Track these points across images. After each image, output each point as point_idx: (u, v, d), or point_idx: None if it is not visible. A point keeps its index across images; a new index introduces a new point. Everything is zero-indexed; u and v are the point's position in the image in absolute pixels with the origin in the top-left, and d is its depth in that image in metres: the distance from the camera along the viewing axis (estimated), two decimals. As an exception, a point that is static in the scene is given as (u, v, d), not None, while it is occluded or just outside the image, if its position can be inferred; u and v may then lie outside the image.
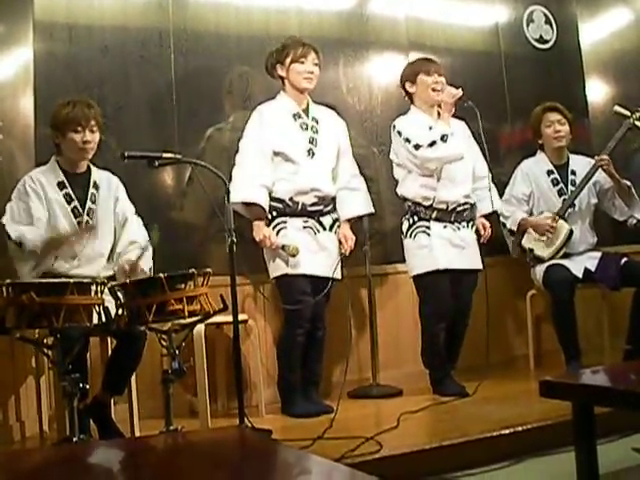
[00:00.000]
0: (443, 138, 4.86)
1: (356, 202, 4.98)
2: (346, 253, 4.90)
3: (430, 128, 4.97)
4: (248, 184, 4.62)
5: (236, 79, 5.31)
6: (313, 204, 4.78)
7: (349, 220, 4.96)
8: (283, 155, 4.76)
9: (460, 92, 4.95)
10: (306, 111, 4.88)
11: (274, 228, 4.72)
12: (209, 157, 4.97)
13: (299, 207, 4.75)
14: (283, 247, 4.64)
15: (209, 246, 5.13)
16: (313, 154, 4.81)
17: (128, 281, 3.64)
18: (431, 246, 4.97)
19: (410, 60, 5.67)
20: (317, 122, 4.88)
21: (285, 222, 4.73)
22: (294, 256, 4.63)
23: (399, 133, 5.01)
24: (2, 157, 4.57)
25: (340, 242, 4.88)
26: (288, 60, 4.79)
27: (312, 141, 4.82)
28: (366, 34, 5.83)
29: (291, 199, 4.74)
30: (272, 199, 4.74)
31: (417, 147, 4.91)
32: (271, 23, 5.45)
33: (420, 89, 5.07)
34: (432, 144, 4.87)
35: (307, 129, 4.84)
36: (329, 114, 5.03)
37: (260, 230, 4.68)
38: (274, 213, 4.75)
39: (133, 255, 4.23)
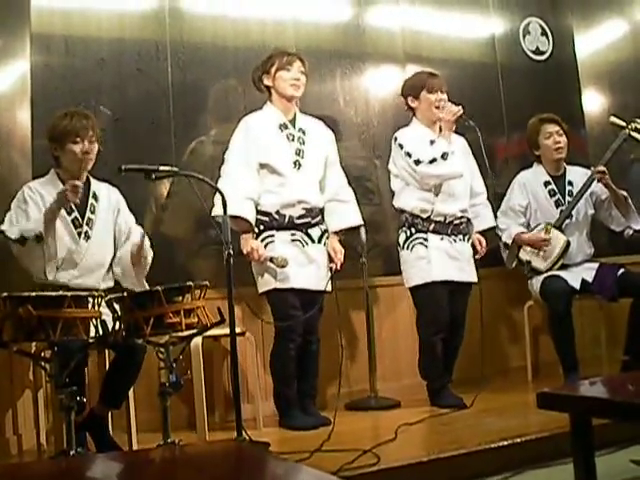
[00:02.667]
0: (444, 156, 4.87)
1: (345, 214, 4.92)
2: (337, 266, 4.82)
3: (432, 142, 4.97)
4: (233, 197, 4.45)
5: (233, 91, 5.32)
6: (300, 216, 4.72)
7: (337, 233, 4.90)
8: (269, 167, 4.71)
9: (461, 110, 4.96)
10: (293, 122, 4.82)
11: (262, 242, 4.67)
12: (203, 168, 4.96)
13: (286, 220, 4.69)
14: (271, 259, 4.62)
15: (205, 258, 5.13)
16: (299, 166, 4.75)
17: (126, 294, 3.64)
18: (429, 257, 4.97)
19: (406, 71, 5.69)
20: (304, 133, 4.82)
21: (272, 236, 4.68)
22: (283, 267, 4.60)
23: (400, 146, 5.01)
24: (0, 169, 4.57)
25: (329, 255, 4.82)
26: (274, 69, 4.75)
27: (298, 152, 4.76)
28: (363, 46, 5.84)
29: (278, 212, 4.68)
30: (258, 212, 4.69)
31: (417, 163, 4.91)
32: (268, 35, 5.46)
33: (423, 106, 5.08)
34: (432, 161, 4.87)
35: (293, 140, 4.78)
36: (316, 124, 4.96)
37: (247, 243, 4.64)
38: (261, 227, 4.69)
39: (136, 239, 4.26)
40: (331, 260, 4.82)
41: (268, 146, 4.71)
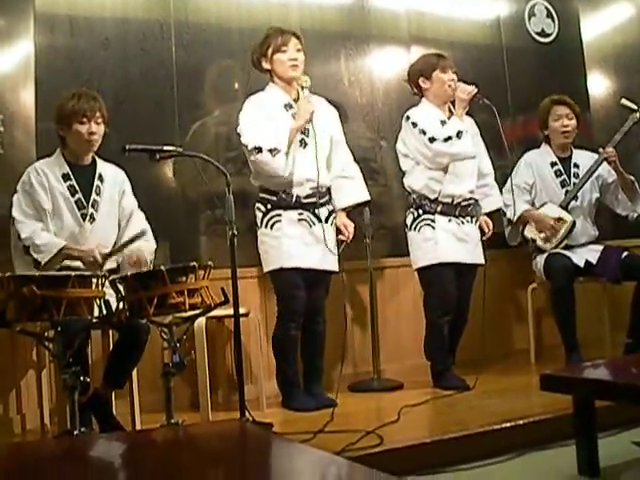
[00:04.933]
0: (458, 135, 4.87)
1: (352, 190, 4.91)
2: (348, 241, 4.86)
3: (442, 123, 4.98)
4: (276, 134, 4.58)
5: (237, 72, 5.31)
6: (308, 196, 4.70)
7: (345, 209, 4.90)
8: None
9: (475, 89, 4.96)
10: (297, 101, 4.76)
11: (268, 221, 4.67)
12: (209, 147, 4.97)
13: (294, 199, 4.68)
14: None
15: (209, 239, 5.14)
16: (306, 144, 4.71)
17: (130, 273, 3.64)
18: (436, 239, 4.97)
19: (411, 53, 5.67)
20: None
21: (280, 215, 4.65)
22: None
23: (414, 124, 4.98)
24: (3, 149, 4.57)
25: (339, 231, 4.83)
26: (270, 51, 4.72)
27: (304, 131, 4.71)
28: (367, 27, 5.82)
29: (285, 191, 4.66)
30: (265, 191, 4.70)
31: (432, 140, 4.90)
32: (272, 16, 5.43)
33: (436, 86, 5.06)
34: (447, 139, 4.87)
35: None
36: (320, 103, 4.91)
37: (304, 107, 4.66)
38: (268, 206, 4.68)
39: (138, 244, 4.23)
40: (339, 233, 4.83)
41: (275, 125, 4.66)
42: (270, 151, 4.54)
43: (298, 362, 4.78)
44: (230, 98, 5.28)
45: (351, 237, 4.87)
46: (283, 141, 4.57)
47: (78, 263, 4.15)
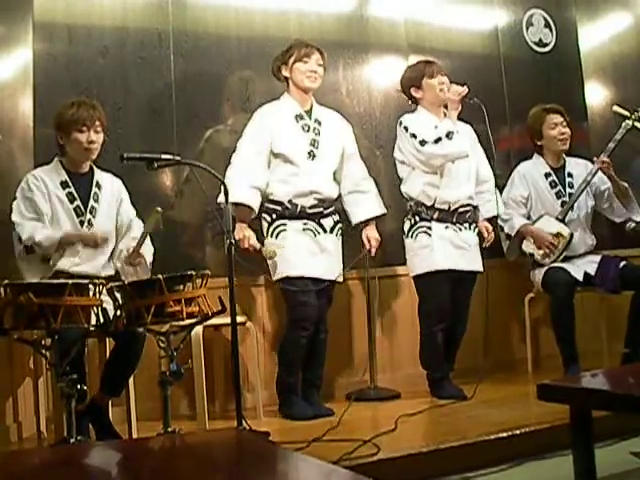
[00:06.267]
0: (448, 135, 4.87)
1: (367, 204, 5.00)
2: (371, 254, 5.00)
3: (436, 127, 4.98)
4: (239, 185, 4.59)
5: (236, 81, 5.32)
6: (312, 206, 4.75)
7: (364, 223, 4.99)
8: (283, 156, 4.75)
9: (466, 89, 4.96)
10: (309, 112, 4.87)
11: (274, 231, 4.71)
12: (207, 159, 4.95)
13: (298, 209, 4.73)
14: (261, 249, 4.65)
15: (207, 247, 5.14)
16: (314, 156, 4.79)
17: (127, 282, 3.64)
18: (432, 246, 4.97)
19: (409, 63, 5.67)
20: (319, 124, 4.86)
21: (285, 224, 4.71)
22: (271, 258, 4.65)
23: (406, 129, 5.01)
24: (2, 157, 4.57)
25: (362, 243, 4.97)
26: (292, 60, 4.80)
27: (313, 143, 4.80)
28: (366, 37, 5.83)
29: (290, 201, 4.72)
30: (271, 201, 4.74)
31: (423, 143, 4.91)
32: (271, 25, 5.45)
33: (428, 93, 5.07)
34: (437, 140, 4.88)
35: (309, 131, 4.82)
36: (333, 116, 5.02)
37: (241, 230, 4.68)
38: (273, 215, 4.73)
39: (133, 242, 4.26)
40: (362, 245, 4.98)
41: (283, 136, 4.76)
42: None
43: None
44: (229, 107, 5.28)
45: (373, 251, 5.00)
46: (247, 195, 4.65)
47: (77, 269, 4.16)
